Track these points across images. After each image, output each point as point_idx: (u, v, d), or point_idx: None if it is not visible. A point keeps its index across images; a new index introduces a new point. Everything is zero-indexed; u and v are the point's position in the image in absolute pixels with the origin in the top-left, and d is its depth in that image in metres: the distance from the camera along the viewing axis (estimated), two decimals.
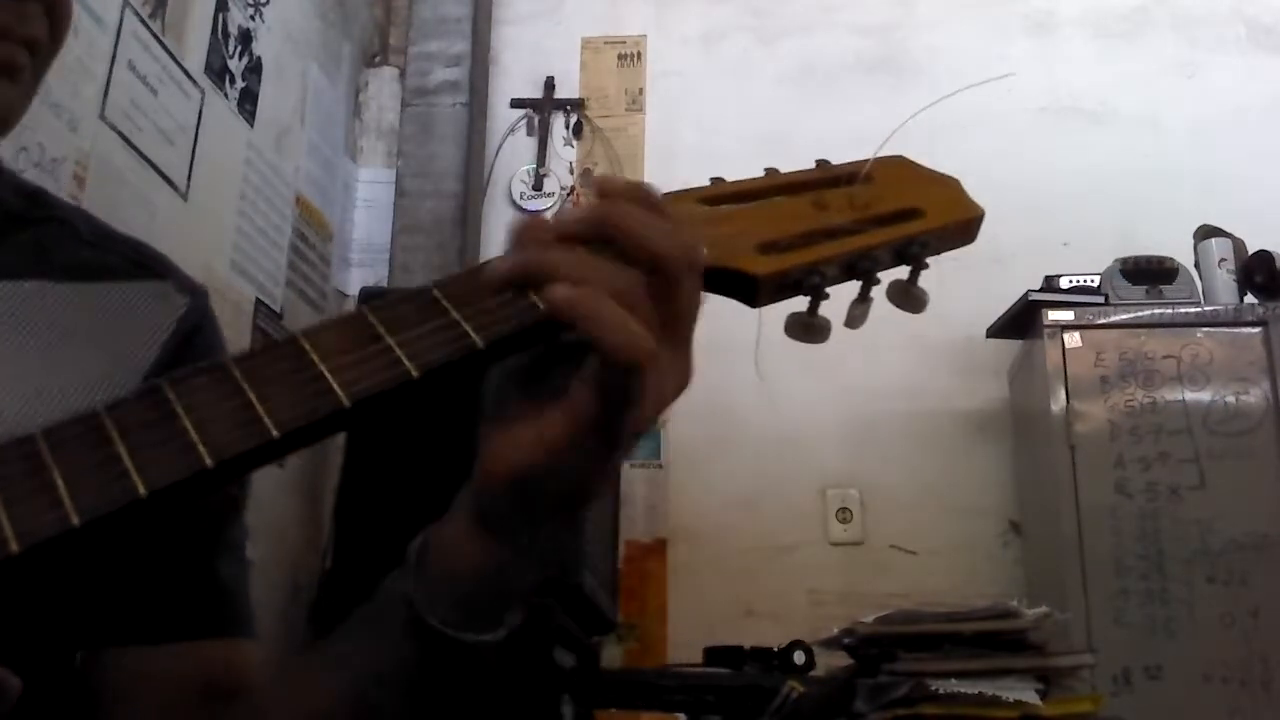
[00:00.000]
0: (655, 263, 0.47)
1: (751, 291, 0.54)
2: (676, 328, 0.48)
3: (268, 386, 0.45)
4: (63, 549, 0.40)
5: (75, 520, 0.40)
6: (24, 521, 0.40)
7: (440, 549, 0.52)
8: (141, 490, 0.41)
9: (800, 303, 0.57)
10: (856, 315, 0.59)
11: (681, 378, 0.48)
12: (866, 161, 0.62)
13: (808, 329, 0.57)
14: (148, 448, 0.42)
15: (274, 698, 0.63)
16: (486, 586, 0.51)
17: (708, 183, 0.59)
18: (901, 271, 0.60)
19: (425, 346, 0.46)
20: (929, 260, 0.60)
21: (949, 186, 0.63)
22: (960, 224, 0.61)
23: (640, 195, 0.49)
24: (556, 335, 0.47)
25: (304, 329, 0.47)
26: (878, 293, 0.59)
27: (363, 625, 0.56)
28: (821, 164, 0.62)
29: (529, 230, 0.49)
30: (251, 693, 0.66)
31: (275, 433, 0.43)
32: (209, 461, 0.42)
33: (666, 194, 0.57)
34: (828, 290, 0.57)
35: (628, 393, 0.45)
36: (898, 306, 0.60)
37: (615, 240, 0.47)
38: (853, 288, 0.59)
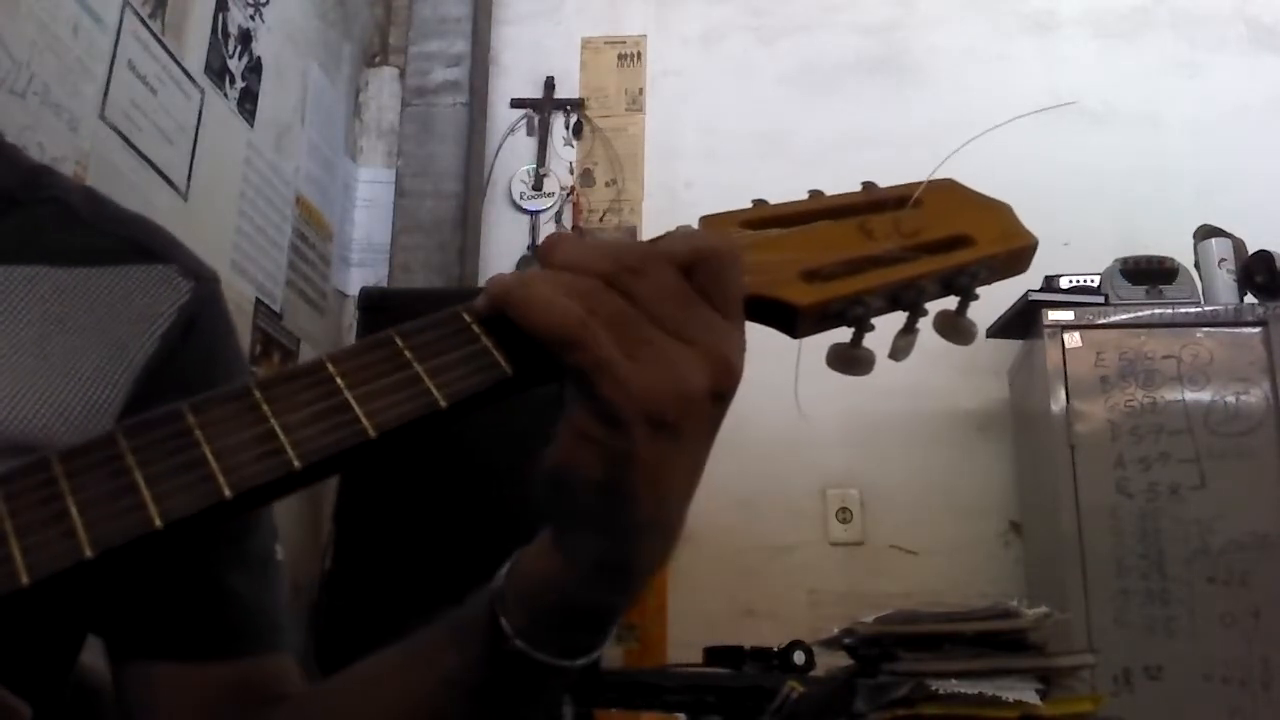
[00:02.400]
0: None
1: (792, 322, 0.52)
2: (652, 322, 0.46)
3: (292, 415, 0.43)
4: (74, 579, 0.39)
5: (88, 552, 0.39)
6: (36, 552, 0.39)
7: (521, 564, 0.51)
8: (158, 523, 0.40)
9: (843, 333, 0.55)
10: (901, 347, 0.57)
11: (665, 380, 0.45)
12: (915, 185, 0.59)
13: (850, 361, 0.55)
14: (165, 477, 0.41)
15: (322, 703, 0.61)
16: (554, 601, 0.49)
17: (749, 204, 0.57)
18: (949, 301, 0.57)
19: (455, 376, 0.45)
20: (978, 291, 0.57)
21: (1000, 213, 0.60)
22: (1012, 253, 0.58)
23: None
24: None
25: (330, 353, 0.46)
26: (924, 323, 0.57)
27: (440, 634, 0.54)
28: (868, 186, 0.59)
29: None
30: (280, 702, 0.65)
31: (298, 464, 0.42)
32: (228, 494, 0.41)
33: (707, 216, 0.55)
34: (872, 321, 0.54)
35: (578, 373, 0.44)
36: (944, 338, 0.57)
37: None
38: (896, 317, 0.56)
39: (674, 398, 0.45)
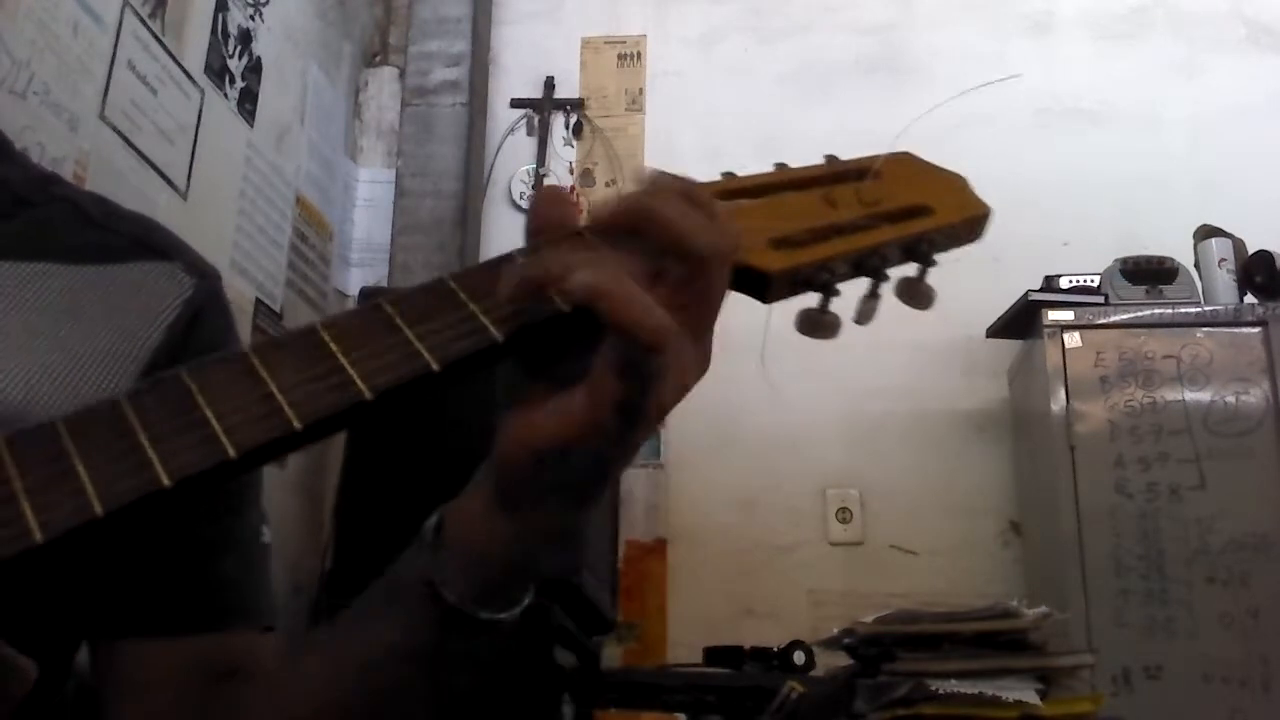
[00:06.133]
0: (691, 255, 0.47)
1: (764, 288, 0.54)
2: (702, 315, 0.47)
3: (289, 377, 0.45)
4: (84, 539, 0.40)
5: (98, 509, 0.40)
6: (47, 511, 0.39)
7: (457, 527, 0.52)
8: (165, 481, 0.41)
9: (810, 299, 0.57)
10: (865, 311, 0.59)
11: (703, 364, 0.48)
12: (875, 157, 0.62)
13: (818, 325, 0.57)
14: (170, 437, 0.42)
15: (284, 677, 0.63)
16: (504, 565, 0.51)
17: (718, 177, 0.59)
18: (909, 268, 0.60)
19: (445, 339, 0.46)
20: (936, 257, 0.60)
21: (956, 184, 0.63)
22: (968, 221, 0.61)
23: (682, 189, 0.48)
24: (574, 327, 0.47)
25: (322, 319, 0.47)
26: (886, 289, 0.59)
27: (378, 602, 0.56)
28: (830, 159, 0.62)
29: (549, 221, 0.49)
30: (258, 676, 0.66)
31: (298, 424, 0.43)
32: (232, 453, 0.42)
33: None
34: (838, 287, 0.56)
35: (650, 374, 0.45)
36: (905, 303, 0.60)
37: (651, 233, 0.47)
38: (861, 283, 0.59)
39: (678, 399, 0.47)
